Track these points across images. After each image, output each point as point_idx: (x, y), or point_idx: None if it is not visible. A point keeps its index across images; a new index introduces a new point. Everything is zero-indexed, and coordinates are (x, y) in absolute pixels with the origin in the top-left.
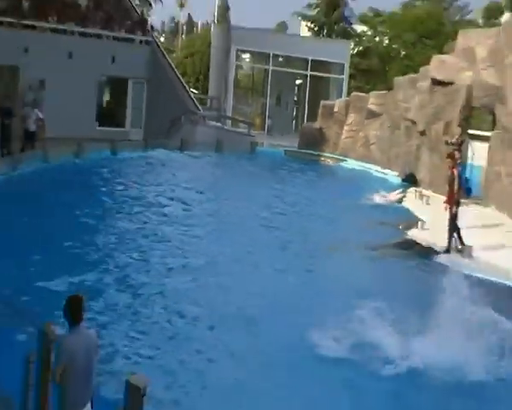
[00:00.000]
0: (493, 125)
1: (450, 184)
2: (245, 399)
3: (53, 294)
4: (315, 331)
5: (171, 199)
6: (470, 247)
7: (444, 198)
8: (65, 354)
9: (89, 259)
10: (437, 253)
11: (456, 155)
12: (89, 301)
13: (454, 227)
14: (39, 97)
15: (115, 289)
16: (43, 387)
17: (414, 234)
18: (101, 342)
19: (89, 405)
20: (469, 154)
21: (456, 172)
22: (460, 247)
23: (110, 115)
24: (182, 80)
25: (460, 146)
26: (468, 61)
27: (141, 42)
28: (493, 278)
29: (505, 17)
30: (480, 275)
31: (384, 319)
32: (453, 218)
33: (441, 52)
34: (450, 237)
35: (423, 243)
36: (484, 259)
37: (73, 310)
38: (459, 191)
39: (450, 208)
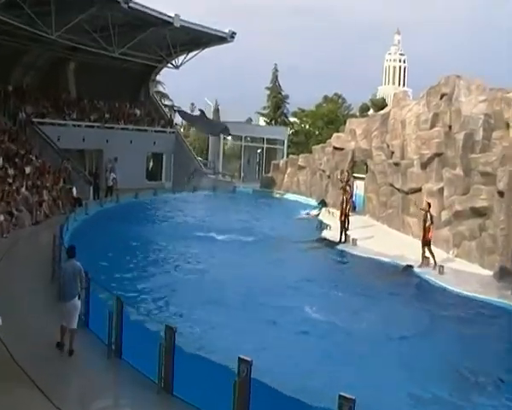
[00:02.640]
0: (366, 170)
1: (341, 205)
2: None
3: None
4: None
5: (188, 214)
6: (355, 239)
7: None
8: (62, 270)
9: (142, 247)
10: (337, 243)
11: (347, 188)
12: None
13: (343, 228)
14: (114, 166)
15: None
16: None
17: (325, 234)
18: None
19: (76, 298)
20: (354, 187)
21: (344, 197)
22: (344, 240)
23: (153, 174)
24: (193, 152)
25: (347, 182)
26: (352, 136)
27: (169, 132)
28: (367, 255)
29: (371, 112)
30: (361, 254)
31: (306, 288)
32: (342, 223)
33: (337, 131)
34: (345, 234)
35: (330, 239)
36: (362, 245)
37: (69, 252)
38: (348, 208)
39: (340, 218)
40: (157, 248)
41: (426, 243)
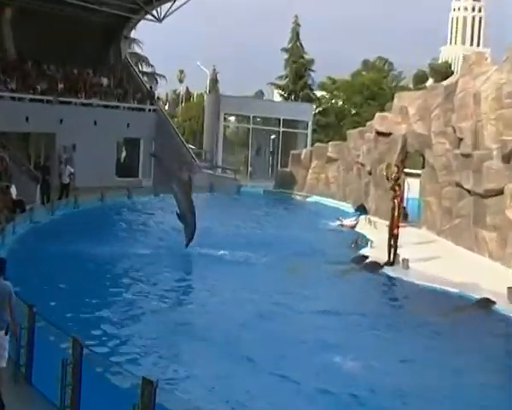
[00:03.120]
0: (423, 165)
1: (392, 212)
2: None
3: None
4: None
5: (176, 224)
6: (407, 260)
7: (387, 223)
8: None
9: (109, 274)
10: (382, 266)
11: (397, 188)
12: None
13: (391, 245)
14: (71, 157)
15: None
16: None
17: (365, 251)
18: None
19: (2, 332)
20: (406, 188)
21: (396, 202)
22: (392, 261)
23: (126, 168)
24: (182, 138)
25: (397, 181)
26: (403, 116)
27: (149, 110)
28: (425, 283)
29: (430, 83)
30: (417, 281)
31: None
32: (395, 238)
33: (382, 110)
34: (394, 253)
35: (373, 259)
36: (417, 268)
37: None
38: (399, 217)
39: (392, 230)
40: (131, 274)
41: None
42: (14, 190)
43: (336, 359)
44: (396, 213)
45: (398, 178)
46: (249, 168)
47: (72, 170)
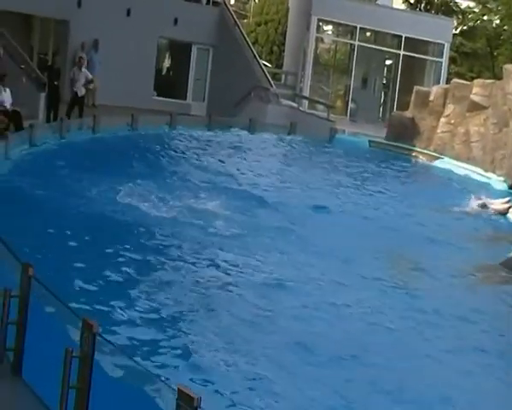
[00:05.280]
0: None
1: None
2: None
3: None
4: None
5: (236, 181)
6: None
7: None
8: None
9: (143, 237)
10: None
11: None
12: None
13: None
14: (92, 57)
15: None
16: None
17: None
18: None
19: None
20: None
21: None
22: None
23: (169, 84)
24: (253, 50)
25: None
26: None
27: (208, 2)
28: None
29: None
30: None
31: None
32: None
33: None
34: None
35: None
36: None
37: None
38: None
39: None
40: (155, 241)
41: None
42: (8, 96)
43: None
44: None
45: None
46: (350, 105)
47: (91, 77)
